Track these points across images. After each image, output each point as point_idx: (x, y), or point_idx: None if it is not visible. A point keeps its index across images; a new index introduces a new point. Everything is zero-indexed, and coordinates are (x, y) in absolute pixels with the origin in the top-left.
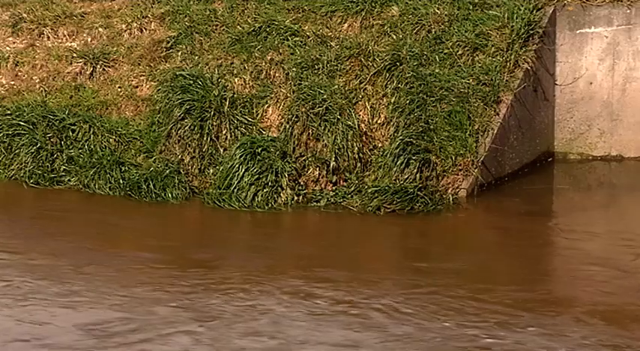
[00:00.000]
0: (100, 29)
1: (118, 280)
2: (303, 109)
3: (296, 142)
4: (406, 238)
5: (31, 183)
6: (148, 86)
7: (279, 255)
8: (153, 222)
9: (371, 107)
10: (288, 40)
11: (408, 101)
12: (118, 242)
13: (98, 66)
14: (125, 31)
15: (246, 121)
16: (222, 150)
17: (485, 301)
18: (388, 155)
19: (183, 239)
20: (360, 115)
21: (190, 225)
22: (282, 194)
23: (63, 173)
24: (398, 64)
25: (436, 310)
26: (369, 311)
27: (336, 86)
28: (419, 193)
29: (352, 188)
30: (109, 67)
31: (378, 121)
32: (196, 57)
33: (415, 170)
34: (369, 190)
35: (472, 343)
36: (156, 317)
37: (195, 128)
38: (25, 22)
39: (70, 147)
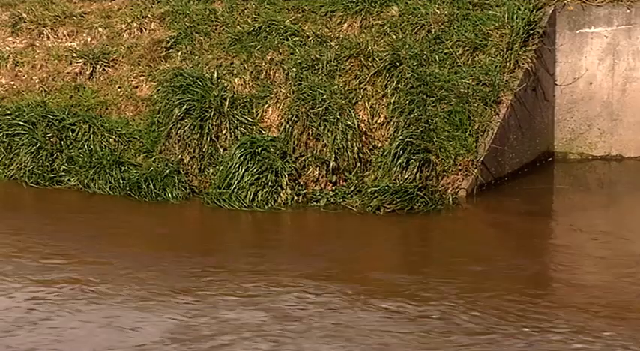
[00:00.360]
0: (100, 29)
1: (179, 283)
2: (303, 109)
3: (296, 142)
4: (425, 238)
5: (31, 183)
6: (147, 86)
7: (327, 257)
8: (180, 223)
9: (371, 107)
10: (288, 40)
11: (408, 101)
12: (153, 244)
13: (98, 66)
14: (125, 31)
15: (246, 121)
16: (222, 150)
17: (545, 302)
18: (388, 155)
19: (220, 241)
20: (360, 115)
21: (221, 227)
22: (282, 194)
23: (63, 173)
24: (398, 64)
25: (503, 313)
26: (440, 315)
27: (336, 86)
28: (419, 193)
29: (352, 188)
30: (109, 67)
31: (378, 121)
32: (196, 57)
33: (415, 170)
34: (369, 190)
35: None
36: (236, 321)
37: (195, 128)
38: (25, 22)
39: (70, 147)
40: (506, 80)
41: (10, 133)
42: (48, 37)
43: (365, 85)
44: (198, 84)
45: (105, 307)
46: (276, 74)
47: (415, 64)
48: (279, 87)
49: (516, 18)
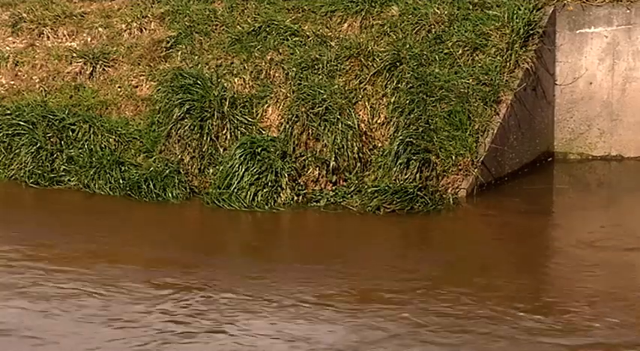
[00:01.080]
0: (100, 29)
1: (305, 292)
2: (303, 109)
3: (296, 142)
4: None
5: (31, 183)
6: (147, 86)
7: (423, 260)
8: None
9: (371, 107)
10: (288, 40)
11: (408, 101)
12: (236, 249)
13: (98, 66)
14: (125, 30)
15: (246, 121)
16: (222, 150)
17: None
18: (388, 155)
19: (307, 246)
20: (360, 115)
21: (302, 231)
22: (281, 194)
23: (63, 173)
24: (398, 64)
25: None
26: (575, 320)
27: (336, 86)
28: (419, 193)
29: (352, 188)
30: (109, 66)
31: (378, 121)
32: (196, 57)
33: (415, 170)
34: (369, 190)
35: None
36: (388, 331)
37: (195, 128)
38: (25, 21)
39: (70, 147)
40: (506, 80)
41: (10, 133)
42: (48, 37)
43: (365, 85)
44: (198, 84)
45: (260, 316)
46: (276, 74)
47: (415, 64)
48: (279, 87)
49: (516, 18)
